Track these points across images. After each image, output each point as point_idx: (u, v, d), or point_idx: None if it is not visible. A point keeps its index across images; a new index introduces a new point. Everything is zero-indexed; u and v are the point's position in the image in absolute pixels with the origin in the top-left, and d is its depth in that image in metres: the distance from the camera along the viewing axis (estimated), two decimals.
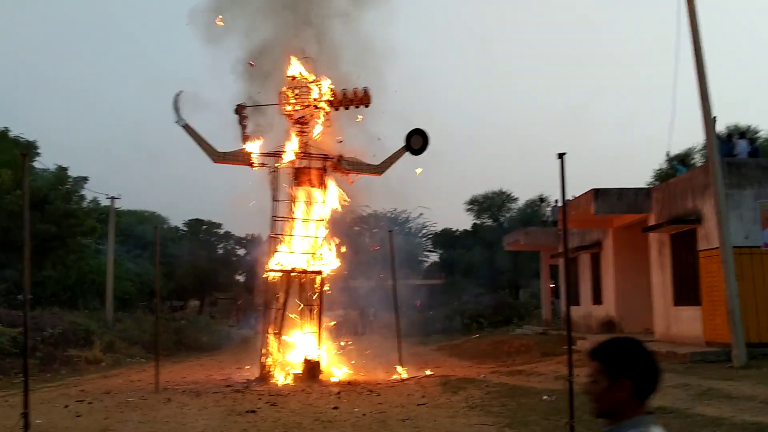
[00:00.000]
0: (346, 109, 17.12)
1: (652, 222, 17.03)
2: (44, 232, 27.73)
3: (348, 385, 14.57)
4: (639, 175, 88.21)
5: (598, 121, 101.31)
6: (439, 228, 55.61)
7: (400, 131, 17.50)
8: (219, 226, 57.33)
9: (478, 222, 54.18)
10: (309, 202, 16.83)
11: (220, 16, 17.01)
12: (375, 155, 17.32)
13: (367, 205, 30.36)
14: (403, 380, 15.04)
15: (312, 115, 17.07)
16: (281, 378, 15.45)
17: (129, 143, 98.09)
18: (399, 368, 15.97)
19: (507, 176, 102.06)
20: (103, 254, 36.53)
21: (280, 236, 16.58)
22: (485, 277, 41.40)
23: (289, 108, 16.88)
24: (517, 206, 52.86)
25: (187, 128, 16.78)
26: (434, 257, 56.33)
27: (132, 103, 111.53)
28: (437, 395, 12.65)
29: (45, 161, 44.46)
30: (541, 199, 34.05)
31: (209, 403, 12.00)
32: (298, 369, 15.77)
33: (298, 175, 16.76)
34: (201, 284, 49.87)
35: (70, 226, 29.88)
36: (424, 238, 55.59)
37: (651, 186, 22.82)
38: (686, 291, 15.67)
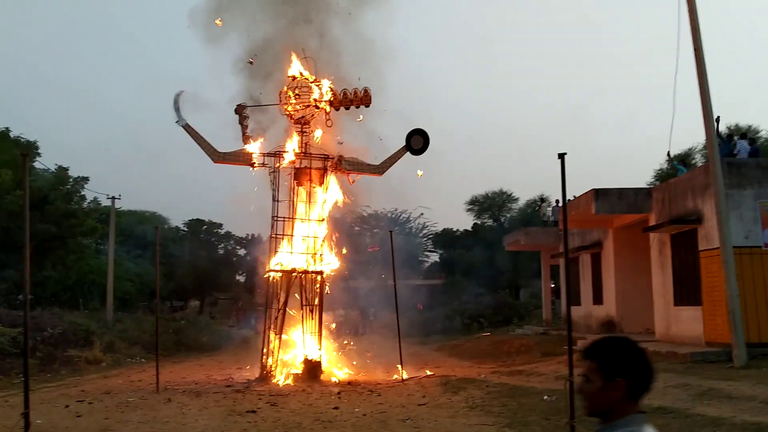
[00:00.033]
0: (347, 109, 17.13)
1: (652, 222, 17.03)
2: (44, 232, 27.74)
3: (348, 385, 14.57)
4: (639, 175, 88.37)
5: (598, 121, 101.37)
6: (439, 228, 55.70)
7: (400, 131, 17.54)
8: (219, 226, 57.40)
9: (478, 222, 54.21)
10: (309, 202, 16.83)
11: (219, 18, 17.01)
12: (376, 157, 17.35)
13: (368, 205, 30.48)
14: (403, 380, 15.04)
15: (312, 115, 17.08)
16: (281, 378, 15.46)
17: (129, 143, 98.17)
18: (399, 368, 15.95)
19: (507, 176, 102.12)
20: (103, 254, 36.56)
21: (280, 236, 16.58)
22: (485, 277, 41.39)
23: (289, 108, 16.89)
24: (518, 206, 52.92)
25: (188, 128, 16.79)
26: (434, 257, 56.40)
27: (132, 103, 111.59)
28: (438, 395, 12.65)
29: (45, 161, 44.56)
30: (542, 199, 34.02)
31: (209, 403, 12.00)
32: (299, 369, 15.77)
33: (299, 175, 16.76)
34: (201, 284, 49.88)
35: (70, 226, 29.89)
36: (425, 238, 55.59)
37: (651, 186, 22.81)
38: (687, 291, 15.66)
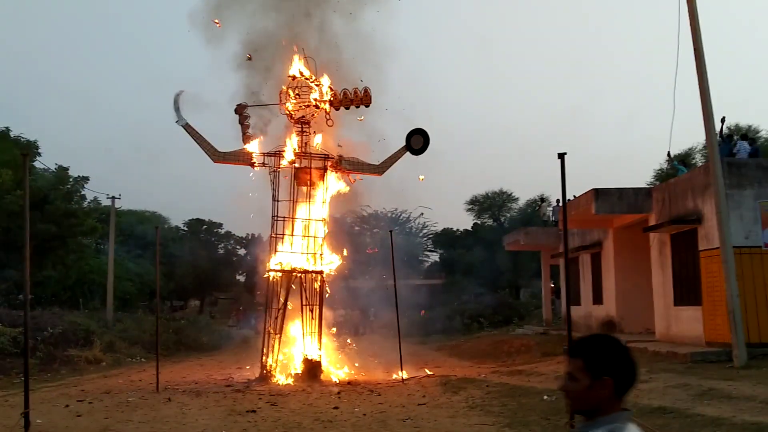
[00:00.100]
0: (347, 108, 17.13)
1: (652, 222, 17.03)
2: (45, 232, 27.74)
3: (348, 385, 14.57)
4: (639, 175, 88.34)
5: (598, 121, 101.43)
6: (439, 228, 55.74)
7: (400, 131, 17.54)
8: (219, 225, 57.43)
9: (478, 222, 54.21)
10: (309, 202, 16.83)
11: (218, 19, 17.01)
12: (374, 151, 17.35)
13: (368, 205, 30.49)
14: (403, 380, 15.04)
15: (313, 115, 17.08)
16: (281, 378, 15.46)
17: (129, 143, 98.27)
18: (400, 371, 15.96)
19: (507, 176, 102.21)
20: (103, 254, 36.61)
21: (280, 236, 16.58)
22: (485, 277, 41.40)
23: (290, 107, 16.89)
24: (518, 206, 52.92)
25: (188, 128, 16.79)
26: (435, 257, 56.42)
27: (132, 103, 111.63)
28: (438, 395, 12.65)
29: (45, 161, 44.63)
30: (542, 199, 34.01)
31: (210, 402, 12.00)
32: (299, 369, 15.78)
33: (299, 175, 16.76)
34: (201, 284, 49.89)
35: (70, 225, 29.89)
36: (425, 238, 55.61)
37: (651, 186, 22.81)
38: (687, 291, 15.66)
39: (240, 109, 16.81)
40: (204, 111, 24.46)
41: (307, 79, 17.03)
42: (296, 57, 17.17)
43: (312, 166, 16.83)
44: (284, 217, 16.64)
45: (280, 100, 17.06)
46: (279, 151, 16.80)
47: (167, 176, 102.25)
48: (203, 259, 47.80)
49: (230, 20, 17.54)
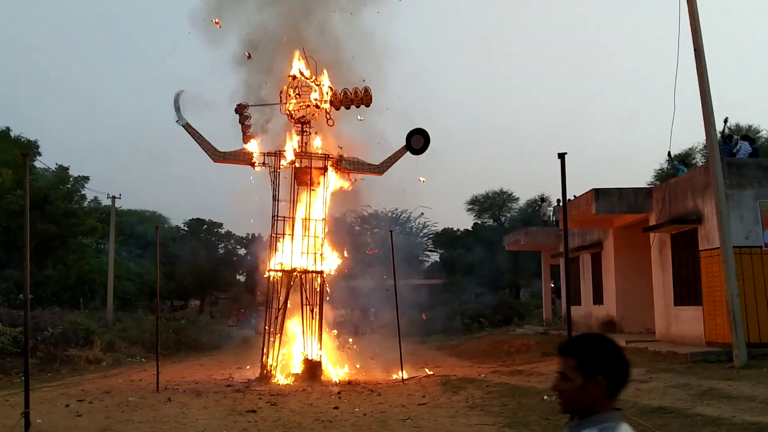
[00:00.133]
0: (347, 108, 17.13)
1: (652, 222, 17.02)
2: (45, 231, 27.76)
3: (348, 385, 14.58)
4: (639, 175, 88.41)
5: (598, 121, 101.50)
6: (439, 228, 55.76)
7: (400, 130, 17.55)
8: (220, 225, 57.46)
9: (478, 222, 54.22)
10: (309, 202, 16.83)
11: (217, 18, 17.00)
12: (374, 151, 17.36)
13: (368, 205, 30.50)
14: (403, 380, 15.04)
15: (313, 115, 17.08)
16: (282, 378, 15.46)
17: (129, 143, 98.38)
18: (400, 371, 15.96)
19: (507, 176, 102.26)
20: (103, 254, 36.64)
21: (280, 236, 16.58)
22: (486, 276, 41.41)
23: (290, 107, 16.89)
24: (518, 206, 52.92)
25: (188, 128, 16.80)
26: (435, 257, 56.42)
27: (132, 103, 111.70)
28: (438, 395, 12.65)
29: (46, 161, 44.61)
30: (542, 199, 34.01)
31: (210, 402, 12.00)
32: (299, 369, 15.78)
33: (299, 175, 16.76)
34: (201, 284, 49.89)
35: (70, 225, 29.91)
36: (425, 238, 55.63)
37: (651, 186, 22.80)
38: (687, 291, 15.66)
39: (240, 109, 16.81)
40: (204, 111, 24.49)
41: (307, 79, 17.03)
42: (297, 57, 17.17)
43: (312, 166, 16.84)
44: (284, 217, 16.64)
45: (281, 100, 17.06)
46: (279, 151, 16.80)
47: (167, 176, 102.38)
48: (203, 259, 47.82)
49: (230, 20, 17.56)
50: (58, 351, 19.19)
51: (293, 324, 16.38)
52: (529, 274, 43.39)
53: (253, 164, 16.75)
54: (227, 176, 48.42)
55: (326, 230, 17.05)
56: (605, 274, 20.94)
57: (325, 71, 17.18)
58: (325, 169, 16.92)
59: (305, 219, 16.74)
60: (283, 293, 16.15)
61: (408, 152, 17.25)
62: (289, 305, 16.18)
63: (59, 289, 31.42)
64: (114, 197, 30.00)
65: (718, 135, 14.21)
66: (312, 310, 16.18)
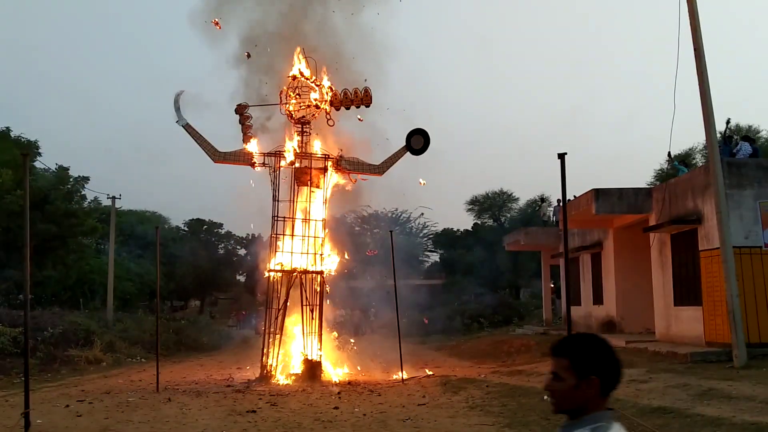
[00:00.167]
0: (347, 109, 17.13)
1: (652, 222, 17.02)
2: (45, 231, 27.75)
3: (348, 385, 14.58)
4: (639, 175, 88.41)
5: (598, 121, 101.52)
6: (439, 228, 55.73)
7: (400, 131, 17.56)
8: (220, 225, 57.46)
9: (478, 222, 54.21)
10: (309, 202, 16.83)
11: (217, 18, 17.00)
12: (374, 151, 17.35)
13: (368, 205, 30.49)
14: (403, 380, 15.04)
15: (313, 115, 17.09)
16: (282, 378, 15.46)
17: (129, 143, 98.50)
18: (400, 371, 15.96)
19: (507, 176, 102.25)
20: (103, 254, 36.64)
21: (280, 236, 16.58)
22: (486, 277, 41.41)
23: (290, 107, 16.89)
24: (518, 206, 52.91)
25: (188, 128, 16.80)
26: (435, 257, 56.42)
27: (132, 103, 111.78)
28: (438, 395, 12.66)
29: (46, 161, 44.67)
30: (542, 199, 34.02)
31: (210, 402, 12.01)
32: (299, 369, 15.78)
33: (299, 175, 16.76)
34: (201, 284, 49.90)
35: (70, 225, 29.91)
36: (425, 238, 55.62)
37: (651, 186, 22.80)
38: (687, 291, 15.66)
39: (240, 109, 16.80)
40: (204, 111, 24.51)
41: (307, 79, 17.03)
42: (297, 57, 17.18)
43: (312, 166, 16.84)
44: (284, 217, 16.64)
45: (281, 101, 17.06)
46: (279, 151, 16.80)
47: (167, 176, 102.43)
48: (203, 259, 47.83)
49: (230, 20, 17.56)
50: (58, 351, 19.19)
51: (293, 324, 16.38)
52: (529, 275, 43.39)
53: (253, 164, 16.75)
54: (227, 176, 48.54)
55: (326, 230, 17.05)
56: (605, 274, 20.94)
57: (325, 71, 17.18)
58: (325, 170, 16.92)
59: (305, 219, 16.74)
60: (283, 293, 16.15)
61: (408, 152, 17.25)
62: (288, 305, 16.17)
63: (59, 290, 31.42)
64: (114, 197, 30.02)
65: (719, 135, 14.21)
66: (312, 311, 16.18)
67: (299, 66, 17.12)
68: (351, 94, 16.87)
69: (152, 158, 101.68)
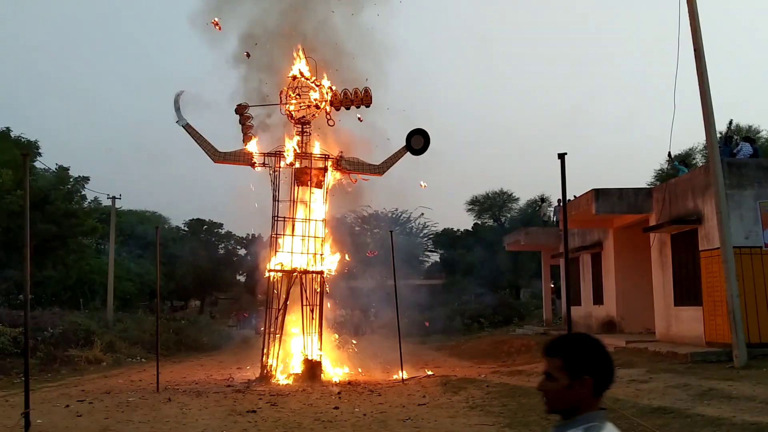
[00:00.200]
0: (347, 109, 17.13)
1: (652, 222, 17.02)
2: (45, 231, 27.75)
3: (348, 385, 14.58)
4: (639, 175, 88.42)
5: (598, 121, 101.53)
6: (439, 228, 55.73)
7: (401, 131, 17.55)
8: (220, 225, 57.45)
9: (478, 222, 54.20)
10: (309, 202, 16.83)
11: (215, 20, 16.98)
12: (375, 148, 17.35)
13: (368, 205, 30.49)
14: (403, 380, 15.04)
15: (313, 115, 17.08)
16: (282, 378, 15.46)
17: (129, 143, 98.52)
18: (400, 371, 15.96)
19: (507, 176, 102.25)
20: (103, 254, 36.64)
21: (280, 236, 16.58)
22: (486, 277, 41.41)
23: (290, 107, 16.88)
24: (518, 206, 52.92)
25: (188, 128, 16.80)
26: (435, 257, 56.42)
27: (132, 103, 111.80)
28: (438, 395, 12.65)
29: (46, 161, 44.69)
30: (542, 199, 34.01)
31: (210, 402, 12.01)
32: (299, 369, 15.78)
33: (299, 175, 16.76)
34: (202, 284, 49.90)
35: (70, 226, 29.91)
36: (425, 238, 55.62)
37: (652, 186, 22.80)
38: (687, 291, 15.66)
39: (241, 109, 16.80)
40: (204, 111, 24.50)
41: (307, 79, 17.03)
42: (297, 57, 17.17)
43: (312, 166, 16.84)
44: (284, 217, 16.64)
45: (281, 101, 17.06)
46: (279, 151, 16.80)
47: (167, 176, 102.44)
48: (203, 259, 47.83)
49: (230, 19, 17.55)
50: (58, 351, 19.19)
51: (293, 324, 16.38)
52: (529, 275, 43.39)
53: (253, 165, 16.74)
54: (227, 176, 48.47)
55: (326, 231, 17.05)
56: (605, 274, 20.94)
57: (324, 71, 17.18)
58: (325, 170, 16.92)
59: (305, 219, 16.74)
60: (283, 293, 16.15)
61: (408, 152, 17.25)
62: (288, 305, 16.17)
63: (59, 290, 31.42)
64: (114, 197, 30.02)
65: (718, 135, 14.21)
66: (312, 311, 16.18)
67: (299, 66, 17.12)
68: (351, 94, 16.87)
69: (152, 158, 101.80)
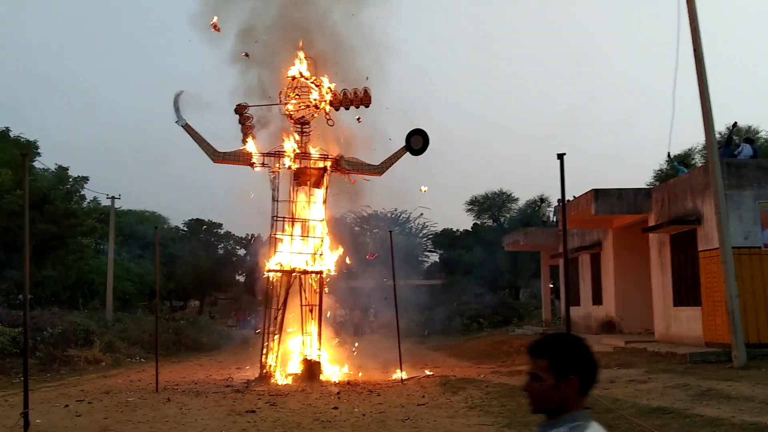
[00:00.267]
0: (347, 109, 17.13)
1: (652, 222, 17.04)
2: (44, 231, 27.75)
3: (348, 385, 14.58)
4: (639, 176, 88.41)
5: (597, 121, 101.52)
6: (439, 228, 55.73)
7: (400, 131, 17.55)
8: (219, 226, 57.45)
9: (478, 222, 54.21)
10: (309, 202, 16.83)
11: (215, 20, 16.97)
12: (376, 148, 17.35)
13: (368, 205, 30.50)
14: (402, 380, 15.04)
15: (313, 116, 17.08)
16: (281, 378, 15.46)
17: (129, 143, 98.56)
18: (399, 371, 15.97)
19: (507, 176, 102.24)
20: (103, 254, 36.61)
21: (280, 236, 16.58)
22: (485, 277, 41.42)
23: (290, 107, 16.88)
24: (518, 206, 52.93)
25: (187, 128, 16.79)
26: (434, 257, 56.41)
27: (132, 103, 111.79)
28: (437, 395, 12.65)
29: (45, 161, 44.71)
30: (542, 199, 34.04)
31: (209, 402, 12.00)
32: (298, 369, 15.78)
33: (299, 175, 16.76)
34: (201, 284, 49.90)
35: (70, 225, 29.89)
36: (425, 239, 55.63)
37: (651, 186, 22.82)
38: (686, 291, 15.67)
39: (240, 109, 16.80)
40: (204, 111, 24.48)
41: (306, 79, 17.03)
42: (296, 57, 17.17)
43: (311, 166, 16.84)
44: (284, 218, 16.64)
45: (280, 101, 17.06)
46: (279, 151, 16.80)
47: (167, 176, 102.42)
48: (203, 259, 47.83)
49: (230, 19, 17.55)
50: (57, 351, 19.18)
51: (292, 324, 16.38)
52: (529, 275, 43.39)
53: (252, 165, 16.74)
54: (227, 176, 48.41)
55: (326, 231, 17.04)
56: (604, 274, 20.95)
57: (324, 70, 17.18)
58: (324, 170, 16.92)
59: (305, 219, 16.75)
60: (283, 293, 16.15)
61: (407, 152, 17.25)
62: (288, 305, 16.16)
63: (59, 290, 31.42)
64: (114, 197, 30.02)
65: (719, 137, 14.22)
66: (311, 311, 16.18)
67: (299, 66, 17.12)
68: (350, 95, 16.86)
69: (152, 158, 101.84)
